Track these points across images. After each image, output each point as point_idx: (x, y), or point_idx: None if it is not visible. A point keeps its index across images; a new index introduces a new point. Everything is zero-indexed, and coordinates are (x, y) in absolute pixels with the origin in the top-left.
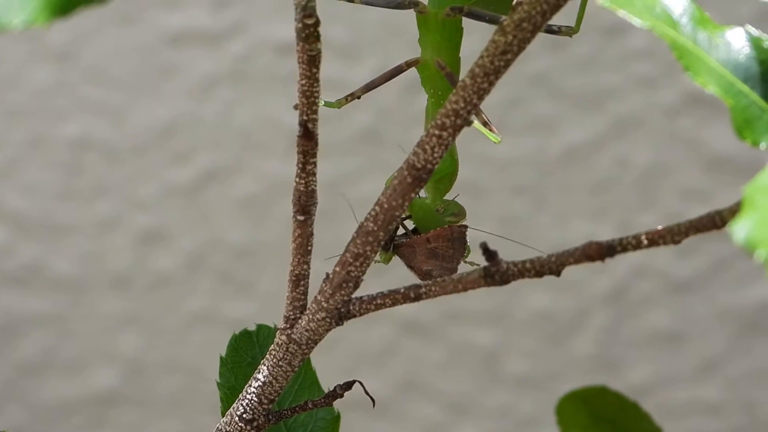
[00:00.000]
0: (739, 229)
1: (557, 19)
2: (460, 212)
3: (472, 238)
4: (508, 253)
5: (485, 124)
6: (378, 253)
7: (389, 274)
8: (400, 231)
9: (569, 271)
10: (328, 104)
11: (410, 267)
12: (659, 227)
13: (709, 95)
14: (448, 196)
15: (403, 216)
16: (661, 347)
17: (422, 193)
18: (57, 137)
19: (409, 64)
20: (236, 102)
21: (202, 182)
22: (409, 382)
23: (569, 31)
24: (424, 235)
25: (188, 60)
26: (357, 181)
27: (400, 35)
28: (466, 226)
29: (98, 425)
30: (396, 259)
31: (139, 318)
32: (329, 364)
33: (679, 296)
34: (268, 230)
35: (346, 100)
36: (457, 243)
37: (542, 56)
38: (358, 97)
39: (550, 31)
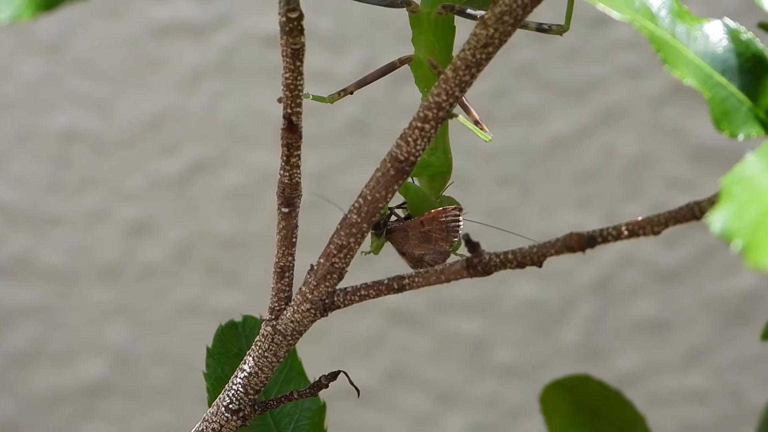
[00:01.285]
0: (716, 219)
1: (545, 17)
2: (457, 207)
3: (462, 228)
4: (496, 244)
5: (476, 123)
6: (370, 241)
7: (376, 265)
8: (393, 218)
9: (556, 261)
10: (319, 99)
11: (402, 253)
12: (639, 218)
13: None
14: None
15: (397, 204)
16: (648, 336)
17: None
18: (45, 129)
19: (402, 62)
20: (223, 94)
21: (190, 174)
22: (396, 372)
23: (560, 30)
24: (418, 218)
25: (175, 52)
26: (344, 172)
27: (387, 27)
28: (460, 208)
29: (87, 416)
30: (385, 248)
31: (128, 309)
32: (317, 354)
33: (666, 285)
34: (256, 221)
35: (339, 95)
36: (451, 226)
37: (528, 47)
38: (351, 93)
39: (540, 29)
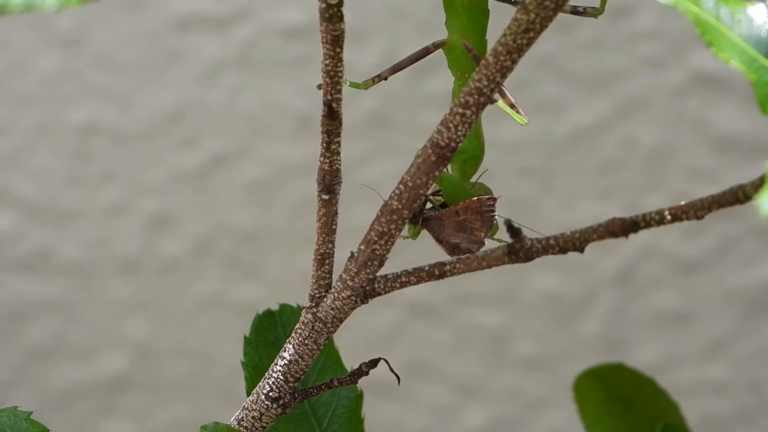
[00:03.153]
0: (765, 202)
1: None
2: (488, 194)
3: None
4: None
5: (512, 106)
6: (407, 228)
7: (405, 253)
8: (429, 205)
9: (576, 254)
10: (354, 85)
11: (438, 240)
12: (682, 202)
13: (716, 75)
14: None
15: (432, 191)
16: (669, 328)
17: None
18: (65, 123)
19: (436, 46)
20: (243, 87)
21: (210, 167)
22: (416, 365)
23: (594, 12)
24: (453, 207)
25: (195, 45)
26: (365, 165)
27: (407, 19)
28: (494, 198)
29: (107, 410)
30: (420, 237)
31: (147, 303)
32: (338, 347)
33: (687, 276)
34: (276, 214)
35: (373, 81)
36: (486, 215)
37: (549, 38)
38: (385, 78)
39: (575, 12)
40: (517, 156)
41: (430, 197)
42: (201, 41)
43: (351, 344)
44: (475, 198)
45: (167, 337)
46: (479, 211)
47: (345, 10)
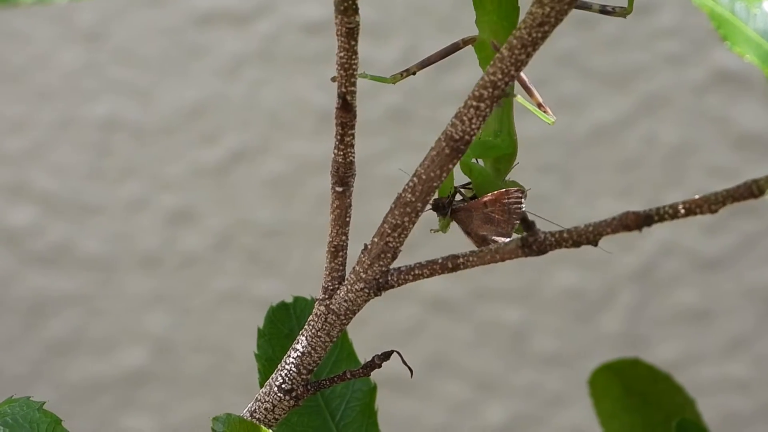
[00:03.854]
0: None
1: None
2: (521, 190)
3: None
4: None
5: (539, 105)
6: (437, 221)
7: (422, 249)
8: (458, 198)
9: (597, 249)
10: (380, 79)
11: (467, 233)
12: (696, 196)
13: (737, 72)
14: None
15: (462, 183)
16: (689, 325)
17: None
18: (86, 118)
19: (465, 42)
20: (264, 82)
21: (230, 162)
22: (436, 361)
23: (623, 12)
24: (482, 199)
25: (216, 40)
26: (386, 160)
27: (429, 15)
28: (522, 191)
29: (127, 404)
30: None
31: (168, 297)
32: (357, 342)
33: (707, 274)
34: (296, 210)
35: (401, 75)
36: (513, 208)
37: (570, 35)
38: (413, 73)
39: (604, 12)
40: (538, 152)
41: (460, 189)
42: (222, 36)
43: (370, 339)
44: (503, 190)
45: (187, 332)
46: (506, 203)
47: (366, 5)
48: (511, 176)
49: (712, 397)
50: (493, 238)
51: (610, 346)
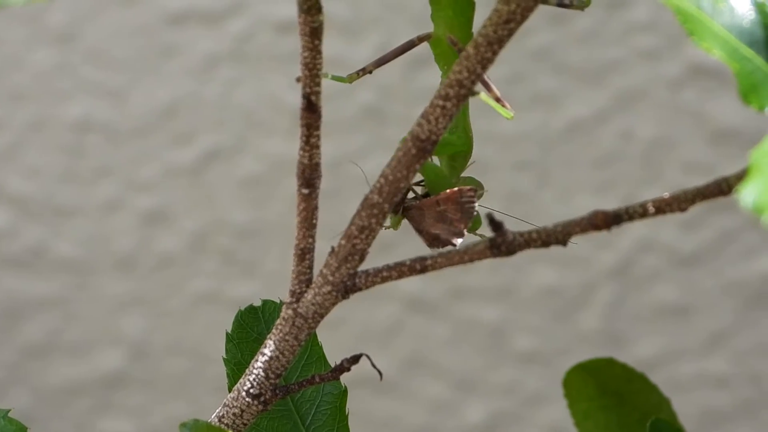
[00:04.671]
0: (746, 194)
1: None
2: (478, 187)
3: (480, 213)
4: (515, 229)
5: (498, 99)
6: (388, 218)
7: (397, 250)
8: (410, 195)
9: (574, 247)
10: (338, 78)
11: (418, 231)
12: (666, 195)
13: (713, 67)
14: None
15: (416, 181)
16: (668, 321)
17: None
18: (59, 119)
19: (421, 39)
20: (238, 81)
21: (205, 162)
22: (415, 360)
23: (581, 5)
24: (434, 197)
25: (189, 40)
26: (361, 158)
27: (403, 12)
28: (475, 190)
29: (104, 408)
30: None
31: (144, 299)
32: (335, 342)
33: (685, 269)
34: (272, 210)
35: (358, 74)
36: (465, 206)
37: (545, 31)
38: (370, 72)
39: (561, 5)
40: (514, 149)
41: (413, 187)
42: (195, 36)
43: (347, 339)
44: (456, 189)
45: (164, 334)
46: (459, 201)
47: (339, 2)
48: (489, 174)
49: (691, 393)
50: (446, 237)
51: (589, 344)
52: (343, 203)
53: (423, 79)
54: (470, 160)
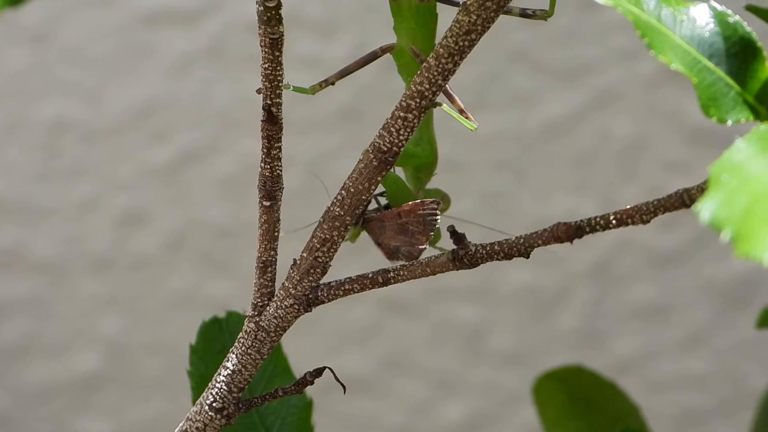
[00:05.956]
0: (705, 208)
1: (530, 2)
2: (444, 199)
3: (445, 224)
4: (489, 236)
5: (461, 111)
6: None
7: (366, 257)
8: (372, 206)
9: (551, 247)
10: (300, 90)
11: (378, 243)
12: (627, 206)
13: None
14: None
15: (378, 191)
16: (646, 320)
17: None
18: (33, 119)
19: (383, 50)
20: (213, 81)
21: (181, 162)
22: (393, 360)
23: (544, 15)
24: (396, 209)
25: (164, 39)
26: (336, 159)
27: (377, 12)
28: (438, 202)
29: (81, 408)
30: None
31: (120, 300)
32: (312, 343)
33: (663, 269)
34: (249, 209)
35: (320, 86)
36: (428, 219)
37: (521, 30)
38: (332, 84)
39: (524, 15)
40: (491, 149)
41: (376, 197)
42: (170, 35)
43: (326, 340)
44: (418, 201)
45: (141, 334)
46: (421, 214)
47: (315, 2)
48: (467, 174)
49: (669, 393)
50: (407, 249)
51: (566, 344)
52: (320, 204)
53: (399, 80)
54: (435, 172)
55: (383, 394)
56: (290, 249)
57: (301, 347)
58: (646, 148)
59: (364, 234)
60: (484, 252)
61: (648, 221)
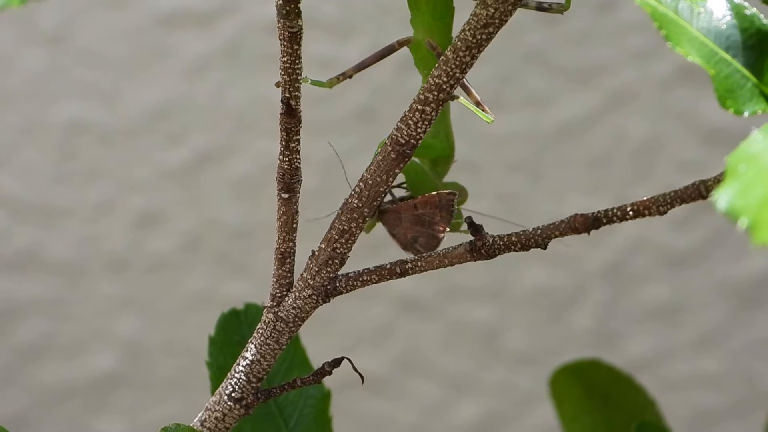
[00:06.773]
0: (722, 198)
1: None
2: (462, 192)
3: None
4: (504, 231)
5: (478, 104)
6: None
7: (383, 253)
8: (387, 198)
9: (567, 243)
10: (318, 83)
11: (393, 234)
12: (644, 198)
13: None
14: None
15: (396, 183)
16: (660, 320)
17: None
18: (50, 121)
19: (400, 44)
20: (229, 82)
21: (197, 163)
22: (407, 360)
23: (560, 8)
24: (412, 201)
25: (180, 41)
26: (352, 159)
27: (392, 13)
28: (454, 193)
29: (97, 408)
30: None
31: (137, 300)
32: (326, 343)
33: (677, 269)
34: (264, 210)
35: (338, 79)
36: (444, 210)
37: (536, 31)
38: (350, 77)
39: (540, 8)
40: (506, 150)
41: (391, 190)
42: (186, 37)
43: (341, 340)
44: (435, 192)
45: (157, 335)
46: (438, 205)
47: (330, 3)
48: (482, 175)
49: (683, 392)
50: (424, 240)
51: (580, 344)
52: (336, 203)
53: (416, 81)
54: (469, 162)
55: (397, 394)
56: (308, 244)
57: (316, 347)
58: (661, 149)
59: (380, 228)
60: (501, 243)
61: (665, 212)
